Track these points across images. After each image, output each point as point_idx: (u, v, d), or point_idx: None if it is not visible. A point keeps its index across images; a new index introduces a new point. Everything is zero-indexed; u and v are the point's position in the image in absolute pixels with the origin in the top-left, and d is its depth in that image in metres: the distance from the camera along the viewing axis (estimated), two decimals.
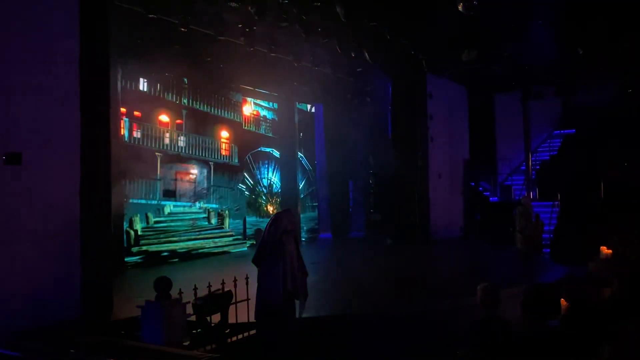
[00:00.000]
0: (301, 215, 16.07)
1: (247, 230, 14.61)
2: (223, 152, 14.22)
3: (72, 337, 4.85)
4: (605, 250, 9.72)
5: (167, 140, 12.71)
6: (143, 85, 12.35)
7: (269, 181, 15.94)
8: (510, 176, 19.24)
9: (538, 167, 18.66)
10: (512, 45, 12.94)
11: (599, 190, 15.60)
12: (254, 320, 6.01)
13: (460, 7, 9.56)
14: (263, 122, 15.98)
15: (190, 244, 12.86)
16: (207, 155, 13.67)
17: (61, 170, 6.71)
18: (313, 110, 17.52)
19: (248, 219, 14.75)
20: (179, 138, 13.02)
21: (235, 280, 6.26)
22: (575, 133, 18.87)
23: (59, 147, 6.70)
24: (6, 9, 6.26)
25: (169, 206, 12.61)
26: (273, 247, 5.81)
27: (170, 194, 12.64)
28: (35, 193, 6.40)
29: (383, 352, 6.94)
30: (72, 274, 6.66)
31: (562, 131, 19.50)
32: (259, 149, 15.66)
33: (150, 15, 9.59)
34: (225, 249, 13.75)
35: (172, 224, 12.62)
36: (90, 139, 6.98)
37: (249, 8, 10.16)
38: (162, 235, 12.28)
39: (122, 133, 11.44)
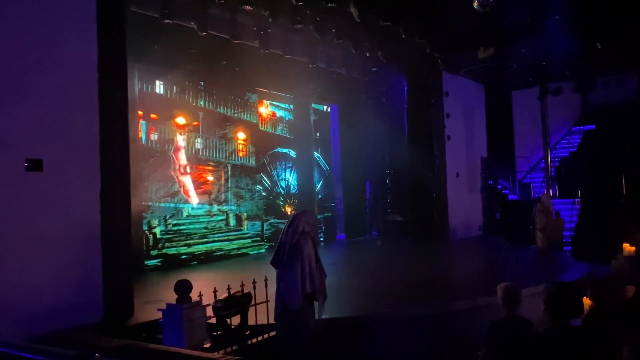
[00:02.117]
0: (318, 216, 16.06)
1: (265, 232, 14.66)
2: (240, 154, 14.27)
3: (95, 341, 4.92)
4: (628, 247, 9.56)
5: (184, 143, 12.79)
6: (159, 88, 12.44)
7: (286, 182, 15.96)
8: (529, 174, 19.06)
9: (557, 164, 18.44)
10: (529, 41, 12.80)
11: (620, 186, 15.39)
12: (274, 322, 6.03)
13: (475, 5, 9.50)
14: (279, 123, 16.00)
15: (208, 246, 12.95)
16: (224, 157, 13.74)
17: (81, 176, 6.80)
18: (329, 110, 17.51)
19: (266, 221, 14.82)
20: (196, 140, 13.10)
21: (254, 282, 6.28)
22: (595, 129, 18.63)
23: (78, 152, 6.79)
24: (25, 17, 6.36)
25: (187, 209, 12.70)
26: (291, 248, 5.82)
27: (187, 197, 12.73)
28: (56, 199, 6.49)
29: (402, 353, 6.91)
30: (93, 278, 6.74)
31: (581, 127, 19.26)
32: (276, 150, 15.69)
33: (165, 21, 9.70)
34: (244, 251, 13.81)
35: (191, 226, 12.72)
36: (109, 143, 7.06)
37: (263, 11, 10.21)
38: (181, 238, 12.38)
39: (139, 136, 11.56)
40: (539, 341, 4.45)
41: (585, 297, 5.15)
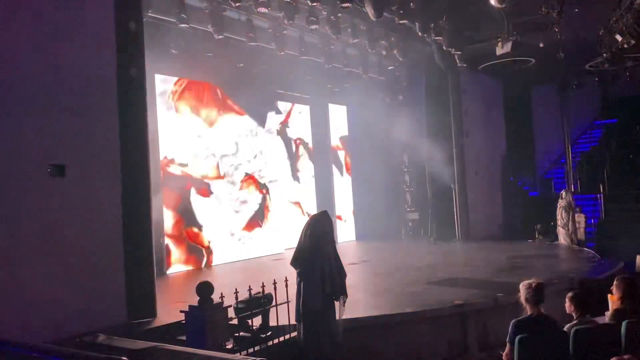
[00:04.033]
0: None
1: (287, 234, 14.69)
2: (262, 160, 14.30)
3: (119, 343, 4.98)
4: None
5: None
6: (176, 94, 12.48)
7: (305, 183, 15.97)
8: (550, 169, 18.82)
9: (579, 158, 18.19)
10: (548, 35, 12.63)
11: None
12: (295, 323, 6.04)
13: (492, 1, 9.42)
14: (297, 126, 16.02)
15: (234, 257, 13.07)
16: (246, 165, 13.82)
17: (102, 180, 6.88)
18: (346, 109, 17.46)
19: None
20: (214, 151, 13.15)
21: (274, 283, 6.30)
22: (617, 122, 18.34)
23: (99, 157, 6.87)
24: (46, 31, 6.47)
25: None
26: (310, 249, 5.83)
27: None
28: (78, 203, 6.57)
29: (424, 352, 6.88)
30: (116, 281, 6.83)
31: (602, 121, 18.97)
32: (295, 152, 15.73)
33: (182, 25, 9.79)
34: (264, 252, 13.86)
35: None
36: (129, 147, 7.14)
37: (279, 12, 10.25)
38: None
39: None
40: (566, 338, 4.40)
41: (610, 294, 5.08)
